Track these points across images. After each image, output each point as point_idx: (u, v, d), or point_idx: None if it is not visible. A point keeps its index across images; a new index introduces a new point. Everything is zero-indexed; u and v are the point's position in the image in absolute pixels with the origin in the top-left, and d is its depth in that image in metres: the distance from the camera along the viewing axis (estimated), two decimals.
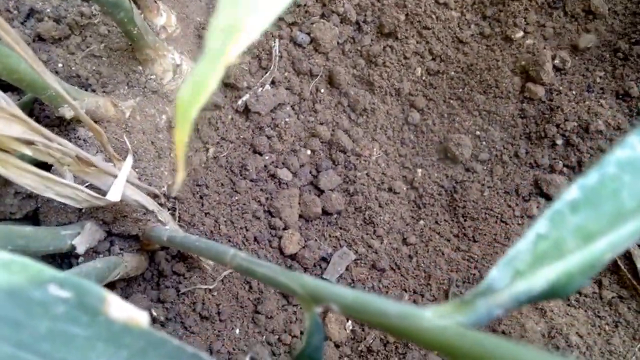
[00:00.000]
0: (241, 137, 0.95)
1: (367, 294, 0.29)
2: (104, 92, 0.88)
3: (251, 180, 0.93)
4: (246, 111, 0.95)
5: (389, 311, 0.26)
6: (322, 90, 0.98)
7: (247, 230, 0.91)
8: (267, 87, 0.96)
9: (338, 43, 0.99)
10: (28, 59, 0.55)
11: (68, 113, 0.72)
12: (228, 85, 0.95)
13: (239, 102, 0.94)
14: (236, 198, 0.92)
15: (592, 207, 0.23)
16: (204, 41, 0.24)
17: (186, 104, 0.25)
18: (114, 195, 0.68)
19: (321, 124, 0.96)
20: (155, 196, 0.83)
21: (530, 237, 0.23)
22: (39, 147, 0.58)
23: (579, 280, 0.23)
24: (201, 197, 0.91)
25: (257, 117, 0.94)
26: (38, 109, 0.85)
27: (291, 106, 0.96)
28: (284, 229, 0.92)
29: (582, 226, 0.23)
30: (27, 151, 0.55)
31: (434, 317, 0.24)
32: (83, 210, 0.79)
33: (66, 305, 0.25)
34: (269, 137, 0.95)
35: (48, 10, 0.90)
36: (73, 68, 0.88)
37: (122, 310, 0.25)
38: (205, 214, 0.90)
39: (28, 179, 0.57)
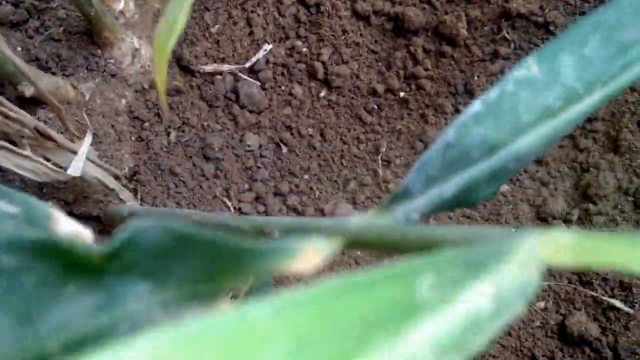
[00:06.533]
0: (204, 121, 0.96)
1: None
2: (63, 75, 0.88)
3: (215, 159, 0.93)
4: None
5: (320, 224, 0.28)
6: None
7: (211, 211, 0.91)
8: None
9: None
10: None
11: (27, 91, 0.72)
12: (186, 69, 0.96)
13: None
14: (199, 180, 0.93)
15: (494, 119, 0.24)
16: None
17: (162, 41, 0.28)
18: (74, 170, 0.69)
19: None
20: (116, 177, 0.84)
21: (440, 144, 0.25)
22: None
23: (486, 189, 0.25)
24: (163, 180, 0.91)
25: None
26: None
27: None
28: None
29: (485, 137, 0.24)
30: None
31: (357, 222, 0.26)
32: (44, 191, 0.79)
33: (15, 220, 0.26)
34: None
35: None
36: (32, 52, 0.88)
37: (67, 225, 0.26)
38: (168, 196, 0.91)
39: None
